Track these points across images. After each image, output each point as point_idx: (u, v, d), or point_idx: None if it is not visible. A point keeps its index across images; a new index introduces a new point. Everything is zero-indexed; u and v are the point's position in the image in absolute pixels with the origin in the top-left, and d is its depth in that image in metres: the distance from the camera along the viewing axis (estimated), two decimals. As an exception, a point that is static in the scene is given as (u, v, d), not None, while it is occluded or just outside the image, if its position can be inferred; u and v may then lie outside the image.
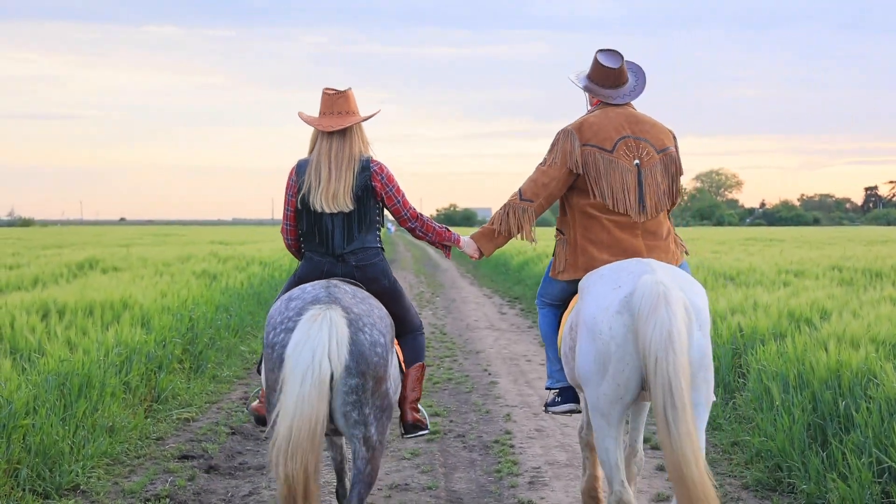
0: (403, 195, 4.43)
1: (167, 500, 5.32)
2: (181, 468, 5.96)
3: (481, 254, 4.69)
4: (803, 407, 5.63)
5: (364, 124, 4.42)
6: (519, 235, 4.59)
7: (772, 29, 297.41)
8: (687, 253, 4.74)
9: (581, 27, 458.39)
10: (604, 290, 3.95)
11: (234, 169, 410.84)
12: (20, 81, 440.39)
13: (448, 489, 5.63)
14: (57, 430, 5.59)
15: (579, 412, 4.81)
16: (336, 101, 4.30)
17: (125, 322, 7.94)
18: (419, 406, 4.48)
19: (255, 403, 4.44)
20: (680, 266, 4.56)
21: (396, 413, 4.43)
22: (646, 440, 5.96)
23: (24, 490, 5.15)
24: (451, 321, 13.83)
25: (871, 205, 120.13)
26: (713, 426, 6.75)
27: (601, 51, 4.59)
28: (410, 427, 4.44)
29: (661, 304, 3.62)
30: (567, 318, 4.44)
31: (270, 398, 3.82)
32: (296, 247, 4.50)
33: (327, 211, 4.23)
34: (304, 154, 4.42)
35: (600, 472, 4.74)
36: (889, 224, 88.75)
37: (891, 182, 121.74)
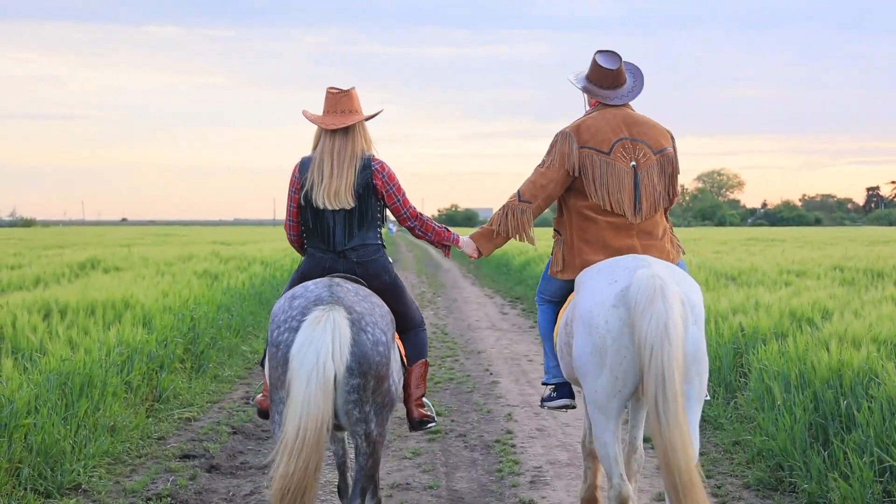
0: (404, 194, 4.47)
1: (168, 499, 5.32)
2: (182, 467, 5.96)
3: (480, 253, 4.73)
4: (805, 406, 5.63)
5: (364, 124, 4.45)
6: (517, 237, 4.64)
7: (772, 29, 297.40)
8: (683, 252, 4.75)
9: (581, 27, 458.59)
10: (600, 284, 4.00)
11: (234, 169, 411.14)
12: (20, 81, 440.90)
13: (449, 488, 5.63)
14: (58, 429, 5.59)
15: (574, 408, 4.87)
16: (340, 100, 4.35)
17: (127, 322, 7.94)
18: (424, 401, 4.54)
19: (259, 397, 4.54)
20: (676, 265, 4.58)
21: (401, 410, 4.45)
22: (646, 439, 5.96)
23: (25, 489, 5.15)
24: (452, 321, 13.84)
25: (872, 205, 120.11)
26: (714, 426, 6.75)
27: (599, 52, 4.63)
28: (417, 424, 4.52)
29: (657, 298, 3.66)
30: (563, 314, 4.49)
31: (273, 394, 3.90)
32: (298, 242, 4.56)
33: (329, 208, 4.28)
34: (304, 154, 4.46)
35: (601, 482, 4.77)
36: (891, 224, 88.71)
37: (892, 182, 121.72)
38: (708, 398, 4.67)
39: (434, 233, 4.65)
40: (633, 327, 3.73)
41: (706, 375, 3.95)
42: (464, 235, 4.79)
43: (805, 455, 5.39)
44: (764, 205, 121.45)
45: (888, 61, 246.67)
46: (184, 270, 13.80)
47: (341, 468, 4.71)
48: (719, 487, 5.54)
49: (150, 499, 5.33)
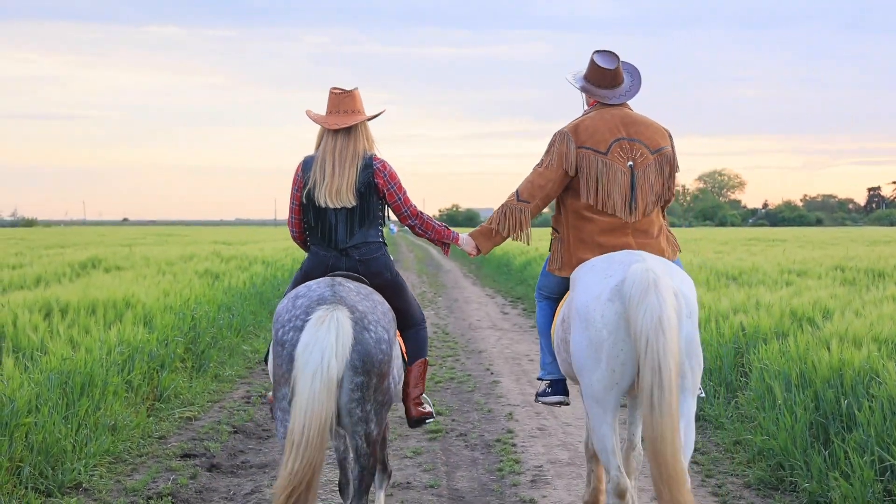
0: (405, 193, 4.53)
1: (169, 498, 5.32)
2: (183, 466, 5.97)
3: (479, 251, 4.81)
4: (805, 406, 5.63)
5: (367, 124, 4.51)
6: (515, 236, 4.71)
7: (772, 29, 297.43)
8: (680, 250, 4.79)
9: (581, 27, 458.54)
10: (595, 279, 4.06)
11: (235, 169, 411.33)
12: (20, 81, 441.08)
13: (450, 488, 5.63)
14: (59, 428, 5.60)
15: (567, 404, 4.94)
16: (342, 100, 4.42)
17: (128, 321, 7.95)
18: (422, 398, 4.60)
19: (269, 395, 4.57)
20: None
21: (401, 409, 4.47)
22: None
23: (26, 488, 5.16)
24: (453, 321, 13.85)
25: (873, 205, 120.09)
26: (715, 425, 6.75)
27: (597, 52, 4.68)
28: (416, 422, 4.59)
29: (651, 291, 3.72)
30: (560, 310, 4.55)
31: (276, 391, 3.99)
32: (301, 239, 4.63)
33: (331, 206, 4.35)
34: (303, 154, 4.52)
35: (604, 486, 4.78)
36: (892, 224, 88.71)
37: (894, 183, 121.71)
38: (703, 395, 4.71)
39: (434, 231, 4.71)
40: (628, 320, 3.78)
41: (700, 371, 4.00)
42: (463, 233, 4.86)
43: (806, 454, 5.39)
44: (765, 205, 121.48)
45: (888, 61, 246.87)
46: (185, 270, 13.81)
47: (342, 464, 4.74)
48: (720, 487, 5.54)
49: (150, 498, 5.33)
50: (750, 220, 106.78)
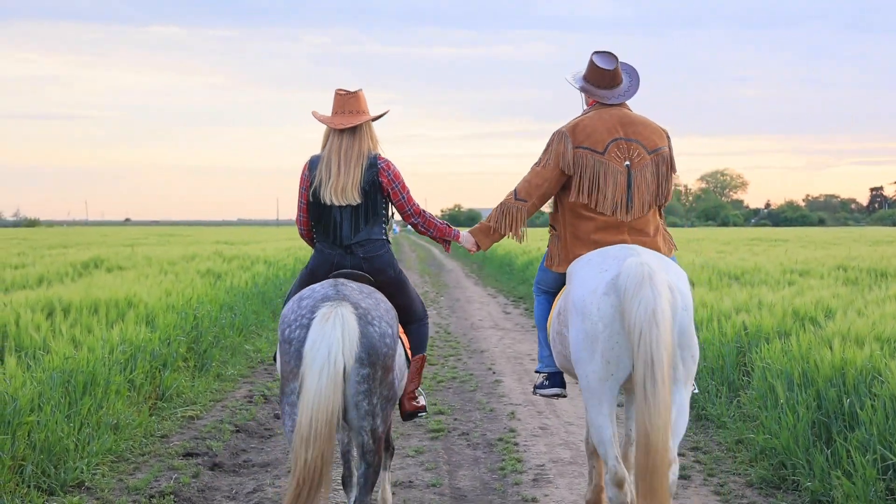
0: (408, 191, 4.63)
1: (171, 497, 5.33)
2: (185, 465, 5.97)
3: (478, 247, 4.92)
4: (808, 405, 5.63)
5: (371, 124, 4.61)
6: (510, 234, 4.80)
7: (772, 29, 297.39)
8: (675, 249, 4.83)
9: (582, 27, 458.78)
10: (590, 273, 4.12)
11: (235, 169, 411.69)
12: (20, 81, 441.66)
13: (452, 486, 5.64)
14: (62, 427, 5.60)
15: (564, 397, 5.00)
16: (347, 101, 4.53)
17: (130, 320, 7.95)
18: (416, 392, 4.71)
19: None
20: None
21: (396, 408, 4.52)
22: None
23: (28, 486, 5.16)
24: (455, 320, 13.85)
25: (876, 205, 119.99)
26: (717, 424, 6.75)
27: (596, 52, 4.73)
28: (409, 415, 4.72)
29: (646, 284, 3.79)
30: (556, 304, 4.63)
31: (284, 386, 4.05)
32: (309, 236, 4.75)
33: (336, 204, 4.45)
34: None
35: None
36: (894, 224, 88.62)
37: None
38: (696, 391, 4.75)
39: (436, 229, 4.83)
40: (623, 313, 3.84)
41: (695, 363, 4.04)
42: (464, 231, 4.97)
43: (808, 453, 5.39)
44: (767, 205, 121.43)
45: (889, 61, 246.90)
46: (187, 270, 13.81)
47: (346, 457, 4.77)
48: (722, 486, 5.54)
49: (153, 496, 5.34)
50: (752, 220, 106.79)
